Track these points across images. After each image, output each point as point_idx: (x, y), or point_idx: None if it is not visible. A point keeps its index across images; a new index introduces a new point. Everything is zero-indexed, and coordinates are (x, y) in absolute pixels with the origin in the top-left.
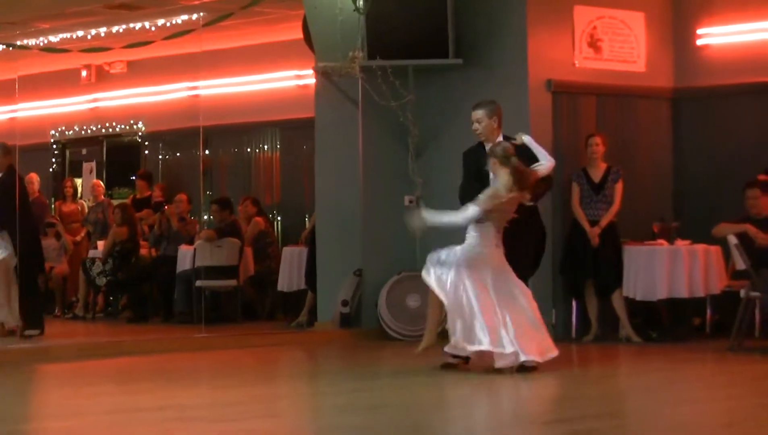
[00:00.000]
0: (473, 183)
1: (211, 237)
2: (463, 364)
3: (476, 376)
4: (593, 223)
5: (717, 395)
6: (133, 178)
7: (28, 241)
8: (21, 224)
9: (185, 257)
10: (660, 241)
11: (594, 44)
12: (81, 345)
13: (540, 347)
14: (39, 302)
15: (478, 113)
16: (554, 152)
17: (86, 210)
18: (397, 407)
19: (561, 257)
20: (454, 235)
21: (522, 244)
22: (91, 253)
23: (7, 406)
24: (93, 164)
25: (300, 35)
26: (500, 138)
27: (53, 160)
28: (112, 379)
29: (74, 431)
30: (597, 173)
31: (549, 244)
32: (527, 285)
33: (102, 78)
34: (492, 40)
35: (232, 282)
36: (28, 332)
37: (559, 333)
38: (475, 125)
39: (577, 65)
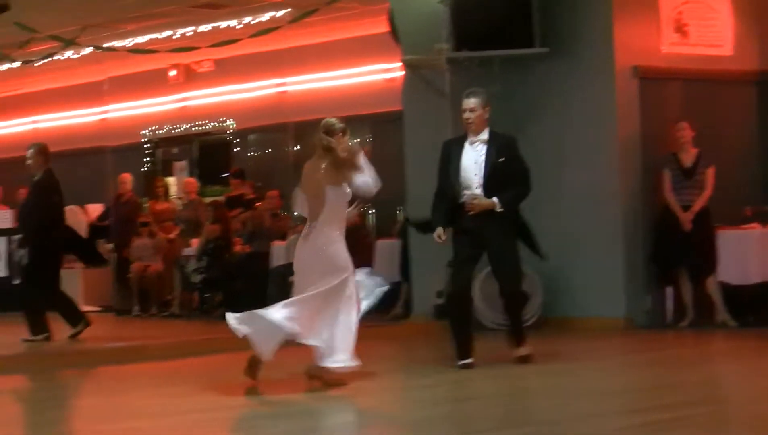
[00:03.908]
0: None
1: None
2: None
3: (570, 367)
4: (685, 208)
5: None
6: (225, 175)
7: (48, 248)
8: (47, 230)
9: (278, 253)
10: (753, 224)
11: (680, 29)
12: (173, 344)
13: None
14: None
15: (472, 102)
16: (641, 139)
17: (179, 208)
18: (490, 397)
19: (652, 245)
20: None
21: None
22: (185, 251)
23: (93, 405)
24: (184, 163)
25: (386, 29)
26: (487, 130)
27: (145, 159)
28: (201, 377)
29: (149, 431)
30: (687, 158)
31: (639, 231)
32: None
33: (190, 77)
34: (577, 29)
35: None
36: (31, 338)
37: (653, 319)
38: (468, 114)
39: (663, 51)
